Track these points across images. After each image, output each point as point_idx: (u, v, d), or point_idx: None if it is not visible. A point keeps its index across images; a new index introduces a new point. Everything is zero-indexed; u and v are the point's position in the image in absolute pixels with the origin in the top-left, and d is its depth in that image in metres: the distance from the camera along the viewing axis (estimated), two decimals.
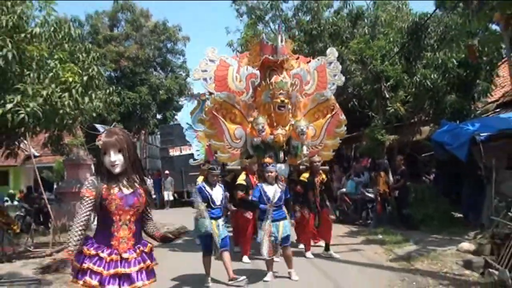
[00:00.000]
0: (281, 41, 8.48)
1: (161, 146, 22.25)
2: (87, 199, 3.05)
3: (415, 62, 11.49)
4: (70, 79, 8.37)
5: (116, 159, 3.05)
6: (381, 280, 6.43)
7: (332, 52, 9.80)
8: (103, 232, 3.13)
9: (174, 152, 20.46)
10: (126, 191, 3.11)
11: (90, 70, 8.74)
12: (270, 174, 6.61)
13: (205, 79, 8.62)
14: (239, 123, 8.48)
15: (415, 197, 10.55)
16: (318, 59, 9.60)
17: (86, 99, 8.73)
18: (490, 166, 9.50)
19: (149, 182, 12.56)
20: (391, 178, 11.53)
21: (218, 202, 6.47)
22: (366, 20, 17.22)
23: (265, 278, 6.57)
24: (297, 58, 9.53)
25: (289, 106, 8.30)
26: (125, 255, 3.07)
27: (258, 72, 8.66)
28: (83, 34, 18.66)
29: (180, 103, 25.25)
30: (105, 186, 3.08)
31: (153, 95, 21.37)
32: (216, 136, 8.35)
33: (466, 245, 7.94)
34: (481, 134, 8.61)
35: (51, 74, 8.23)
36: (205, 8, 62.18)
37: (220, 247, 6.29)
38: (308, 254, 8.08)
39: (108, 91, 11.78)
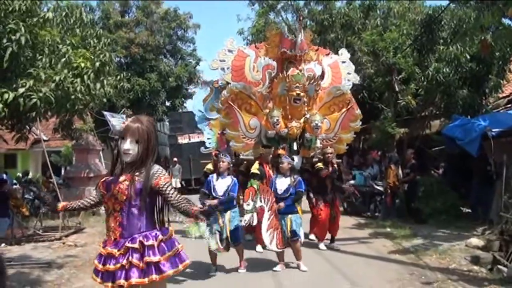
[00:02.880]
0: (301, 36, 8.41)
1: (170, 133, 22.29)
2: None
3: (427, 55, 11.40)
4: (82, 65, 8.38)
5: (130, 148, 3.01)
6: (389, 273, 6.46)
7: (344, 53, 9.83)
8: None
9: (182, 139, 20.50)
10: (111, 178, 3.12)
11: (101, 56, 8.76)
12: (281, 165, 6.61)
13: (222, 69, 8.65)
14: (254, 114, 8.50)
15: (424, 191, 10.49)
16: (331, 57, 9.60)
17: (98, 85, 8.76)
18: (500, 162, 9.46)
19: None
20: (400, 171, 11.50)
21: (220, 193, 6.37)
22: (378, 11, 17.08)
23: (275, 268, 6.64)
24: (317, 50, 9.48)
25: (305, 99, 8.30)
26: (110, 249, 3.04)
27: (275, 63, 8.66)
28: (94, 19, 18.60)
29: (189, 90, 25.25)
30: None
31: (162, 82, 21.33)
32: (231, 126, 8.37)
33: (474, 241, 7.92)
34: (493, 130, 8.55)
35: (63, 59, 8.23)
36: None
37: (231, 242, 6.33)
38: (321, 245, 8.13)
39: (119, 77, 11.83)
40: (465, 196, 10.69)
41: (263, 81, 8.69)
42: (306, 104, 8.40)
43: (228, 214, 6.36)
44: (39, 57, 8.09)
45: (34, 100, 7.28)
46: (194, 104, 11.76)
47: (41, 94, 7.33)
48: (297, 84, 8.12)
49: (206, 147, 11.39)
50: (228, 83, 9.06)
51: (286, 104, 8.27)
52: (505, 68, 10.31)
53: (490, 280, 6.00)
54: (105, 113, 15.89)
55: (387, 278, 6.22)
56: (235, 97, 8.29)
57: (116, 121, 17.38)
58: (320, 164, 8.10)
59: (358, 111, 8.82)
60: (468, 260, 7.12)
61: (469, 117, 10.24)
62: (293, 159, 7.50)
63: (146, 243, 3.01)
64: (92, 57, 8.69)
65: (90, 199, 3.41)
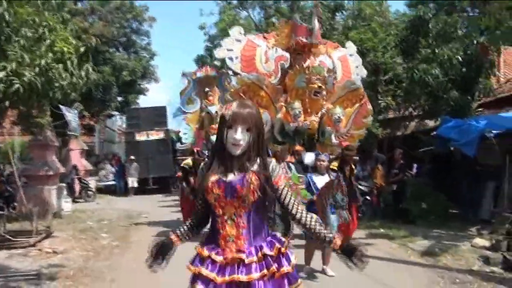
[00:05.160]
0: (317, 24, 7.99)
1: (127, 130, 21.16)
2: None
3: (412, 57, 11.42)
4: (65, 49, 7.54)
5: (241, 138, 2.45)
6: (420, 277, 6.26)
7: (351, 46, 9.51)
8: (212, 230, 2.60)
9: (140, 136, 19.50)
10: (229, 177, 2.50)
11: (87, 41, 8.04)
12: (322, 163, 6.16)
13: (230, 58, 7.99)
14: (265, 107, 7.93)
15: (412, 192, 10.50)
16: (340, 50, 9.26)
17: (83, 72, 7.99)
18: (487, 163, 9.67)
19: (110, 168, 12.04)
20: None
21: None
22: (345, 13, 17.16)
23: (301, 273, 6.17)
24: (325, 43, 9.09)
25: (324, 93, 7.87)
26: (240, 255, 2.45)
27: (288, 55, 8.16)
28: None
29: (142, 86, 24.11)
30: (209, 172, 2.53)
31: (116, 76, 20.12)
32: None
33: (480, 241, 7.97)
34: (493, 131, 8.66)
35: (47, 41, 7.34)
36: None
37: None
38: None
39: (86, 66, 10.84)
40: (450, 197, 10.78)
41: (275, 73, 8.15)
42: (325, 98, 7.98)
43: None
44: (16, 39, 7.14)
45: (17, 86, 6.38)
46: (171, 97, 11.12)
47: (25, 79, 6.46)
48: (318, 76, 7.66)
49: (182, 143, 10.69)
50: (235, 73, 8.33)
51: (305, 97, 7.76)
52: (493, 70, 10.51)
53: None
54: (62, 107, 14.63)
55: (422, 283, 6.02)
56: (246, 89, 7.69)
57: (72, 117, 16.14)
58: (335, 164, 7.70)
59: (369, 107, 8.54)
60: (481, 260, 7.10)
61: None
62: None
63: (283, 249, 2.52)
64: (74, 42, 7.91)
65: (196, 216, 2.76)
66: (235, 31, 8.27)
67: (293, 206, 2.58)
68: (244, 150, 2.50)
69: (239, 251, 2.47)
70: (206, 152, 9.80)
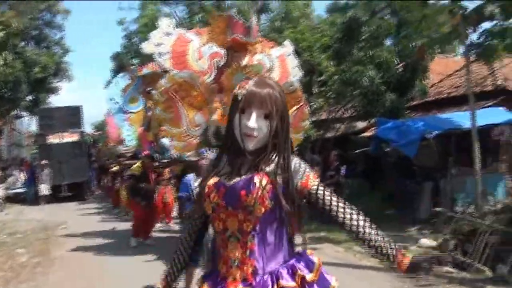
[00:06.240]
0: (255, 21, 7.58)
1: (39, 132, 19.36)
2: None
3: (344, 59, 11.41)
4: None
5: (256, 126, 1.82)
6: (379, 283, 6.06)
7: (288, 45, 9.19)
8: (213, 251, 2.05)
9: (53, 139, 17.89)
10: (234, 180, 1.86)
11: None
12: None
13: (159, 54, 7.25)
14: (199, 108, 7.29)
15: (348, 193, 10.47)
16: (279, 49, 8.91)
17: (1, 61, 7.04)
18: (421, 164, 9.86)
19: (19, 174, 10.90)
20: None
21: None
22: (271, 14, 17.11)
23: None
24: (261, 41, 8.67)
25: None
26: None
27: (223, 52, 7.61)
28: None
29: (53, 84, 22.26)
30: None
31: (27, 73, 18.27)
32: (172, 121, 6.99)
33: (426, 242, 8.01)
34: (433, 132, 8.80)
35: None
36: None
37: None
38: None
39: (4, 55, 9.64)
40: (384, 198, 10.90)
41: (209, 71, 7.58)
42: None
43: None
44: None
45: None
46: (110, 93, 10.13)
47: None
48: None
49: (126, 146, 9.81)
50: (166, 71, 7.70)
51: None
52: (426, 74, 10.78)
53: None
54: None
55: None
56: (178, 88, 7.02)
57: None
58: None
59: (307, 110, 8.29)
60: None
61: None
62: None
63: (308, 277, 1.84)
64: None
65: (189, 237, 2.11)
66: (164, 24, 7.57)
67: (337, 210, 1.93)
68: (260, 144, 1.87)
69: (245, 280, 1.82)
70: (157, 156, 9.11)
